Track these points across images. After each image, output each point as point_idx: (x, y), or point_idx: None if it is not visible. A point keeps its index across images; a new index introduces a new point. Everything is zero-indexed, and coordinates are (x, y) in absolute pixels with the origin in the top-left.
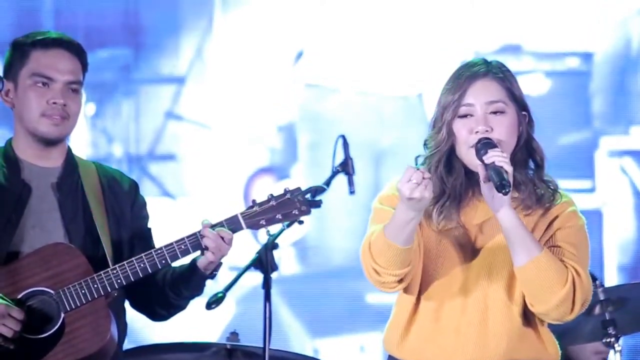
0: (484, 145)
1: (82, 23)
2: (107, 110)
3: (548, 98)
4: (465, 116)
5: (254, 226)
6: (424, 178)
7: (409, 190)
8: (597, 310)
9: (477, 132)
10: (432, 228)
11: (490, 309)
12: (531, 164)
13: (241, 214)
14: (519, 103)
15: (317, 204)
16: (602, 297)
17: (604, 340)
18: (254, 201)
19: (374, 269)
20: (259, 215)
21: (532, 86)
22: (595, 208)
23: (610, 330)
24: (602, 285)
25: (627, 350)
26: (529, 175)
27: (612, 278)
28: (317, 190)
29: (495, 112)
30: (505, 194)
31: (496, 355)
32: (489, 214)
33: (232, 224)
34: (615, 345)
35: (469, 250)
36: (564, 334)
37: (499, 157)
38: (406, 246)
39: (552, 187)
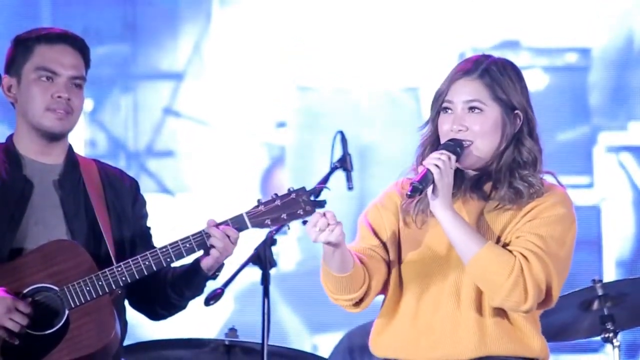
0: (443, 146)
1: (80, 19)
2: (105, 106)
3: (546, 94)
4: (446, 112)
5: (259, 225)
6: (329, 224)
7: (314, 236)
8: (595, 305)
9: (452, 130)
10: (415, 226)
11: (462, 306)
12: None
13: (246, 213)
14: (506, 103)
15: (322, 204)
16: (600, 292)
17: (602, 336)
18: (259, 200)
19: (327, 294)
20: (264, 214)
21: (530, 82)
22: (593, 204)
23: (609, 326)
24: (601, 281)
25: (626, 345)
26: (514, 175)
27: (610, 273)
28: (320, 190)
29: (472, 110)
30: (409, 196)
31: (468, 351)
32: (475, 211)
33: (238, 223)
34: (614, 340)
35: (449, 249)
36: (563, 329)
37: (430, 160)
38: (341, 274)
39: (536, 186)
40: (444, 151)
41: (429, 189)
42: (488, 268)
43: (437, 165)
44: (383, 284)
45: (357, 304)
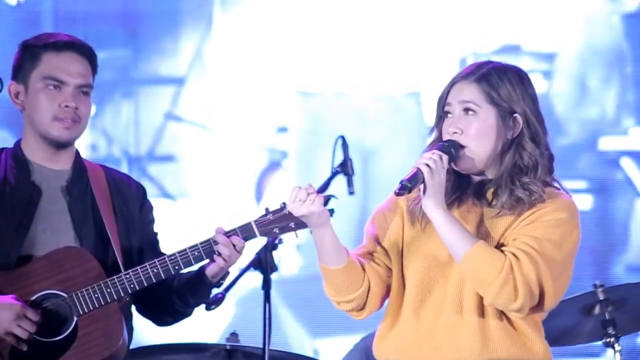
0: (436, 146)
1: (81, 24)
2: (106, 111)
3: (546, 98)
4: (447, 116)
5: (268, 234)
6: (308, 194)
7: (296, 209)
8: (596, 310)
9: (448, 133)
10: (420, 229)
11: (464, 310)
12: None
13: (255, 222)
14: (503, 108)
15: (329, 213)
16: (601, 297)
17: (603, 341)
18: (267, 209)
19: (331, 299)
20: (272, 223)
21: None
22: (593, 208)
23: (610, 330)
24: (602, 286)
25: (627, 350)
26: (515, 182)
27: (612, 278)
28: (328, 199)
29: (467, 112)
30: (397, 194)
31: (471, 356)
32: (476, 217)
33: (246, 232)
34: (615, 345)
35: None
36: (564, 334)
37: (421, 159)
38: (338, 266)
39: (537, 194)
40: (435, 151)
41: (420, 188)
42: (479, 266)
43: (427, 165)
44: (386, 290)
45: (361, 310)
